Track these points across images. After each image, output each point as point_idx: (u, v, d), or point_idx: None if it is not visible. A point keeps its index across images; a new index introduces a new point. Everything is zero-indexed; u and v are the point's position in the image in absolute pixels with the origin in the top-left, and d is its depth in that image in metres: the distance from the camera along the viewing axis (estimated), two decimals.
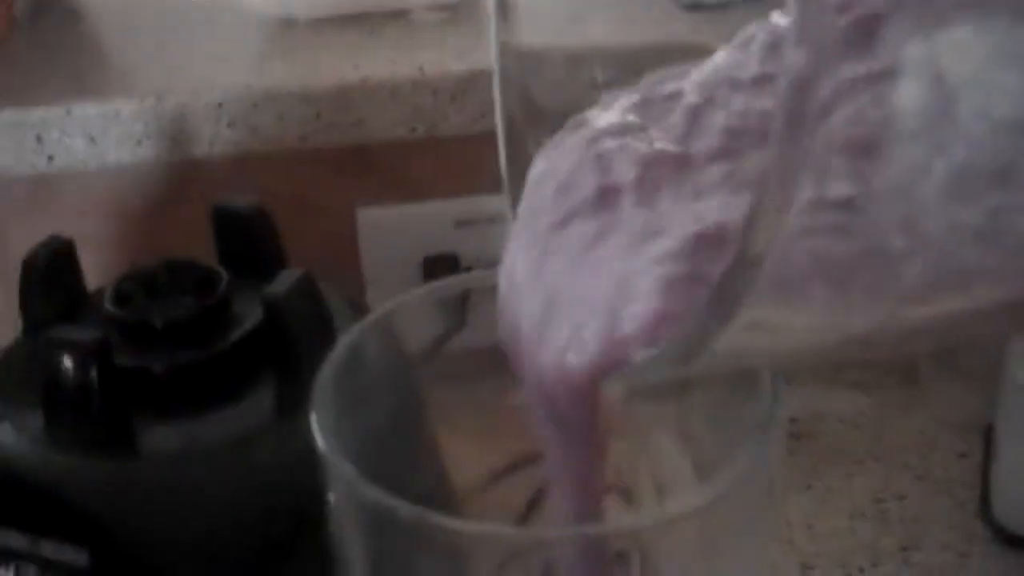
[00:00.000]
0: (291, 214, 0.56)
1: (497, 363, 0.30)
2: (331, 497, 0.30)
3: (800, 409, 0.67)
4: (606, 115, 0.29)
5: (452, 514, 0.40)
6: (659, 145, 0.27)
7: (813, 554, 0.57)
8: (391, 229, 0.70)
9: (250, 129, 0.66)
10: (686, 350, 0.21)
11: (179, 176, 0.67)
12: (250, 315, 0.46)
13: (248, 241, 0.50)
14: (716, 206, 0.25)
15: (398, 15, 0.74)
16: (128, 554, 0.42)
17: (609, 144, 0.28)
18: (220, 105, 0.66)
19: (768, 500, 0.33)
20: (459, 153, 0.67)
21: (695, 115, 0.27)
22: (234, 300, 0.47)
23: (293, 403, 0.33)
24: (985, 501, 0.59)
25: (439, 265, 0.70)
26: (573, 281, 0.26)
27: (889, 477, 0.62)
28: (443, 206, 0.69)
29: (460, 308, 0.38)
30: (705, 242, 0.24)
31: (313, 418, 0.30)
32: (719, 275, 0.21)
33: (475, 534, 0.28)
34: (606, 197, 0.27)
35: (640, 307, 0.24)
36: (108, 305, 0.46)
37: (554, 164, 0.29)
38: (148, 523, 0.42)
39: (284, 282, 0.45)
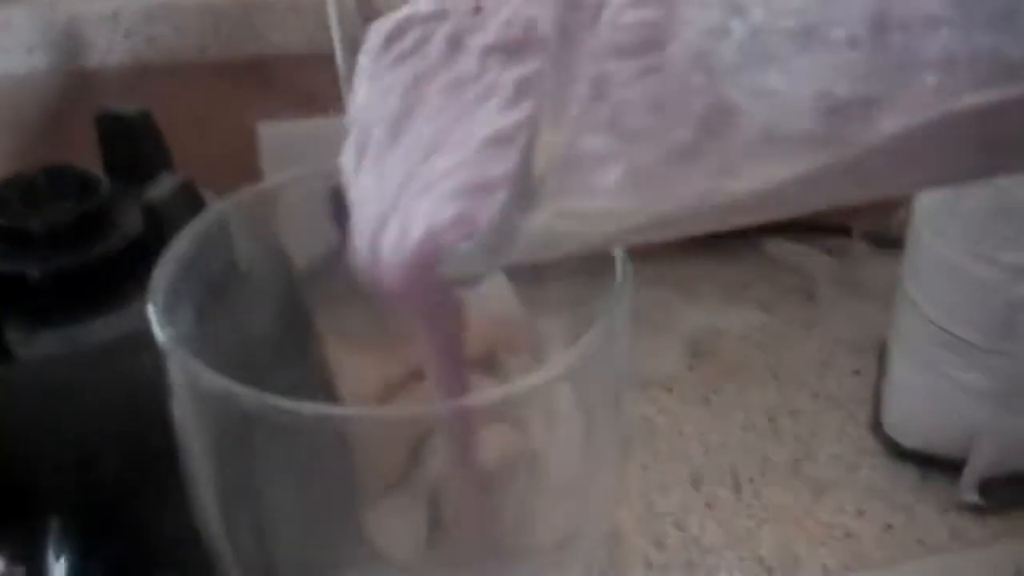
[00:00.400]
0: (190, 129, 0.55)
1: None
2: (172, 390, 0.30)
3: (700, 326, 0.67)
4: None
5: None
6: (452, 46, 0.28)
7: (704, 465, 0.58)
8: (293, 145, 0.69)
9: (146, 40, 0.65)
10: (496, 241, 0.22)
11: (72, 87, 0.65)
12: (131, 221, 0.45)
13: (133, 148, 0.49)
14: (500, 113, 0.26)
15: None
16: (2, 459, 0.42)
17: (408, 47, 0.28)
18: (115, 14, 0.64)
19: (620, 374, 0.33)
20: None
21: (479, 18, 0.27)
22: (115, 206, 0.46)
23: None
24: (876, 416, 0.60)
25: (339, 191, 0.69)
26: (388, 182, 0.28)
27: (784, 393, 0.63)
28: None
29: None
30: (494, 149, 0.25)
31: (150, 306, 0.29)
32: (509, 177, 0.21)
33: (313, 416, 0.27)
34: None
35: (441, 208, 0.25)
36: None
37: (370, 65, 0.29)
38: (23, 428, 0.42)
39: (164, 187, 0.44)
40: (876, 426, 0.60)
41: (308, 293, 0.42)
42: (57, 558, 0.41)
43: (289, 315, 0.42)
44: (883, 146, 0.19)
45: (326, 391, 0.42)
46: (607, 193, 0.21)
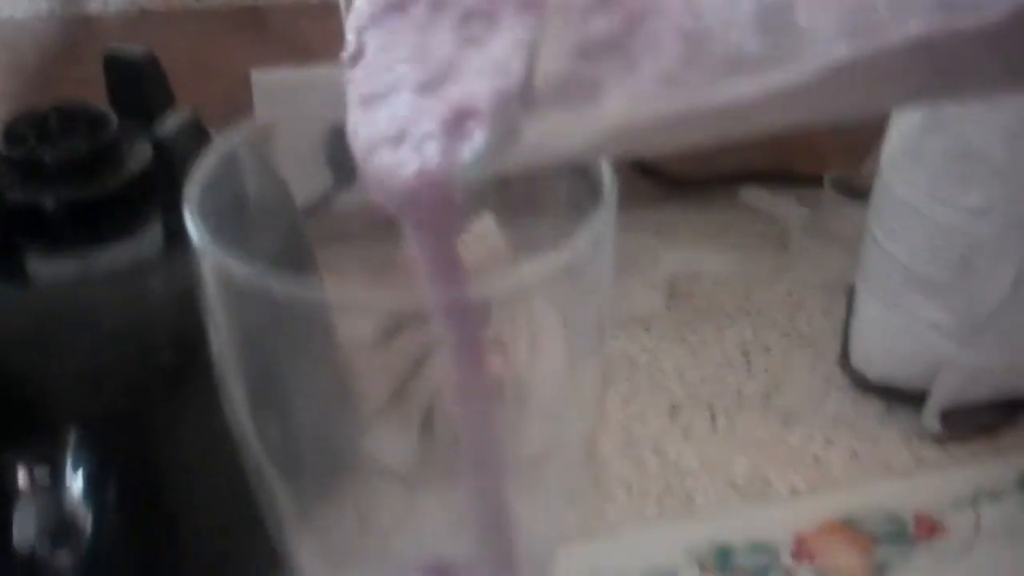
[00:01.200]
0: (186, 74, 0.57)
1: (388, 220, 0.32)
2: (206, 290, 0.32)
3: (678, 269, 0.70)
4: None
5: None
6: None
7: (683, 397, 0.61)
8: (287, 93, 0.71)
9: None
10: (496, 147, 0.24)
11: (72, 33, 0.67)
12: (139, 156, 0.48)
13: (139, 88, 0.51)
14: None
15: None
16: (18, 383, 0.44)
17: None
18: None
19: (606, 279, 0.35)
20: None
21: None
22: (124, 143, 0.48)
23: (180, 238, 0.35)
24: (844, 351, 0.63)
25: (336, 132, 0.71)
26: (396, 94, 0.29)
27: (757, 332, 0.66)
28: (341, 71, 0.70)
29: (350, 162, 0.40)
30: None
31: (185, 209, 0.31)
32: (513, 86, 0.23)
33: (348, 301, 0.30)
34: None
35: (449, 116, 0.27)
36: None
37: None
38: (41, 348, 0.44)
39: (172, 123, 0.46)
40: (844, 361, 0.63)
41: (308, 232, 0.44)
42: (75, 468, 0.43)
43: (293, 251, 0.44)
44: (838, 69, 0.21)
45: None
46: (598, 108, 0.24)
